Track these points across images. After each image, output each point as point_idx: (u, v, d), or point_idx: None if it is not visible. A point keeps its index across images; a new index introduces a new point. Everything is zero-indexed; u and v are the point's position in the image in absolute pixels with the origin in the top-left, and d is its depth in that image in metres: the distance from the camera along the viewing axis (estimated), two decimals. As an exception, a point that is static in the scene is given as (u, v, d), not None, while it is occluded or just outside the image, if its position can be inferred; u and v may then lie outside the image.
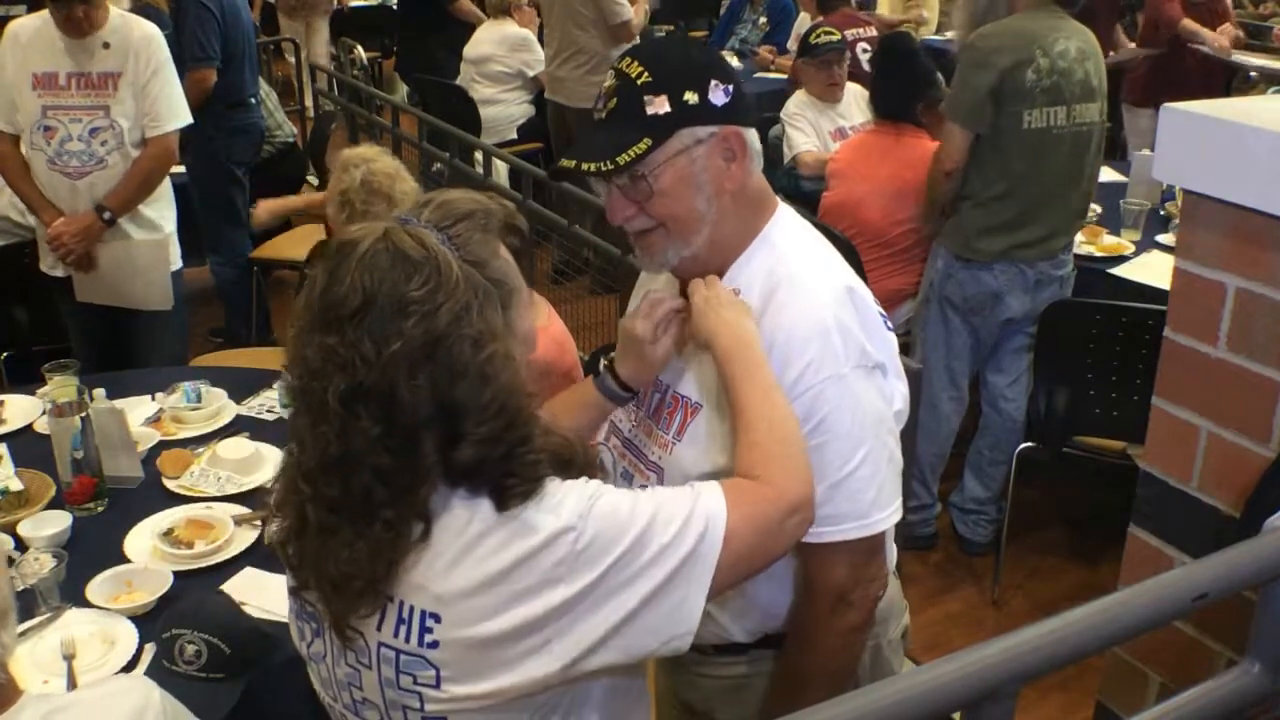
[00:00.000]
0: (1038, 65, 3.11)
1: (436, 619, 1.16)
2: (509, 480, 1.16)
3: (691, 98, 1.40)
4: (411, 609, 1.17)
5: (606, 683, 1.28)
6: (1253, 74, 5.27)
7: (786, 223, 1.53)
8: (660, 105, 1.40)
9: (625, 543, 1.17)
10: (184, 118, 3.49)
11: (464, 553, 1.16)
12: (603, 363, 1.56)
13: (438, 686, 1.18)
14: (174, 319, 3.62)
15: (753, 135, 1.47)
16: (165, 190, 3.57)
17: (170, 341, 3.61)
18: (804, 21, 6.15)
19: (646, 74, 1.41)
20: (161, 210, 3.56)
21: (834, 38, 4.60)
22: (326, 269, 1.17)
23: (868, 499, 1.42)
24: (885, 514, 1.44)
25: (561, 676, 1.18)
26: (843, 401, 1.39)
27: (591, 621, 1.16)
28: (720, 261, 1.49)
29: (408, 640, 1.18)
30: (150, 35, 3.40)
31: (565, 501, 1.18)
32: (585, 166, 1.41)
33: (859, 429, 1.40)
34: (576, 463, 1.26)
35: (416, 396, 1.12)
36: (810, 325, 1.40)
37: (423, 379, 1.13)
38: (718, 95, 1.41)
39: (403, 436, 1.13)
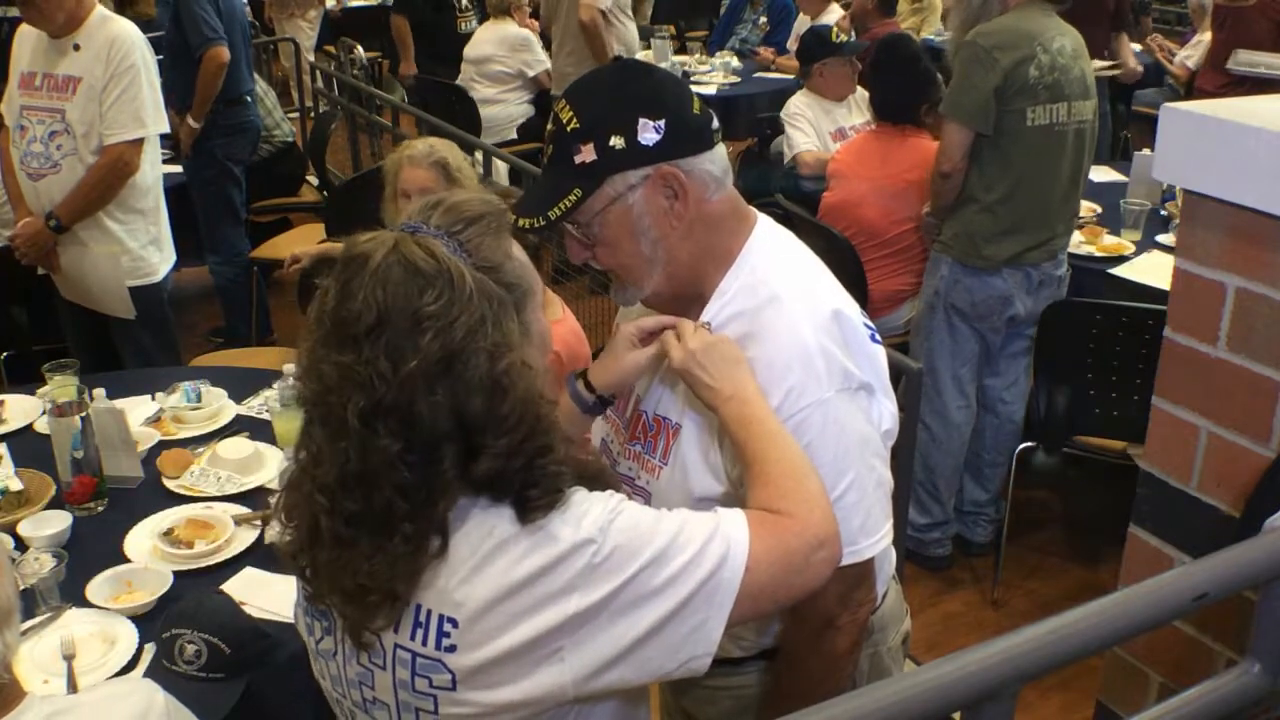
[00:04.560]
0: (1039, 61, 3.09)
1: (454, 624, 1.15)
2: (531, 491, 1.15)
3: (618, 142, 1.37)
4: (429, 613, 1.16)
5: (613, 703, 1.27)
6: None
7: (766, 240, 1.49)
8: (587, 153, 1.37)
9: (644, 558, 1.15)
10: (151, 127, 3.32)
11: (486, 561, 1.15)
12: (574, 374, 1.55)
13: (454, 690, 1.17)
14: (152, 323, 3.52)
15: (698, 162, 1.40)
16: (140, 201, 3.39)
17: (149, 344, 3.53)
18: (804, 22, 6.14)
19: (575, 119, 1.39)
20: (131, 222, 3.39)
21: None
22: (338, 283, 1.15)
23: (854, 525, 1.40)
24: (873, 540, 1.43)
25: (574, 690, 1.16)
26: (826, 427, 1.37)
27: (607, 635, 1.15)
28: (695, 288, 1.47)
29: (424, 643, 1.17)
30: (118, 38, 3.24)
31: (589, 513, 1.17)
32: (522, 222, 1.39)
33: (844, 455, 1.39)
34: (603, 479, 1.26)
35: (435, 412, 1.11)
36: (792, 350, 1.38)
37: (441, 394, 1.11)
38: (647, 135, 1.37)
39: (422, 451, 1.12)
